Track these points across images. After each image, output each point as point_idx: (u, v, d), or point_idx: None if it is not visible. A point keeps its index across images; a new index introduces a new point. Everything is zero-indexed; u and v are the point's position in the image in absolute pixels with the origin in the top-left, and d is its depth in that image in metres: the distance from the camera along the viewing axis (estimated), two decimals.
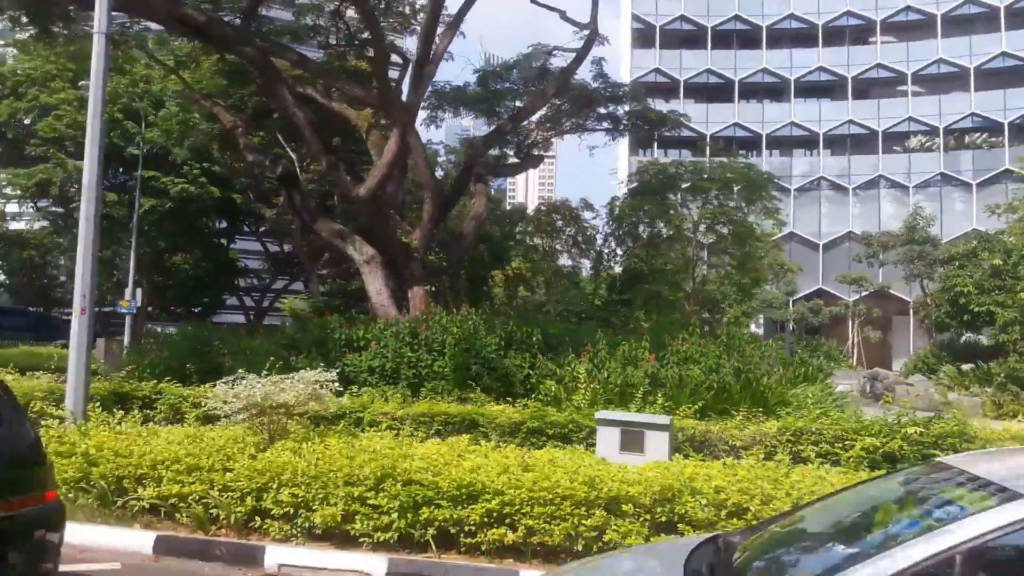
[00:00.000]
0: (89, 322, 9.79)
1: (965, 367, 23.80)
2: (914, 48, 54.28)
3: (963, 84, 53.21)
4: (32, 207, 44.57)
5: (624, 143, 48.39)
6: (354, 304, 26.81)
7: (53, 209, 41.66)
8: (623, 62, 55.71)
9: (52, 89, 40.09)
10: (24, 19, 17.16)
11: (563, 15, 25.82)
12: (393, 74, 23.90)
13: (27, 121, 39.69)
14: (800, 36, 56.98)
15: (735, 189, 26.19)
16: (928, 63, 53.88)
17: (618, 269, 30.09)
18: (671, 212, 28.06)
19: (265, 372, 9.22)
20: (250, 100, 25.90)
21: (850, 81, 55.53)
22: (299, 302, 35.85)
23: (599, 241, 31.53)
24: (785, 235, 47.01)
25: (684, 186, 26.77)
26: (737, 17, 57.02)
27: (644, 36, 57.27)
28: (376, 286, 18.64)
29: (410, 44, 27.22)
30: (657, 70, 56.45)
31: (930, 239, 36.63)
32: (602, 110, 28.03)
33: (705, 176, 26.89)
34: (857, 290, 47.00)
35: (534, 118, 25.77)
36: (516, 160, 25.15)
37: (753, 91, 56.99)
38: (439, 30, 19.48)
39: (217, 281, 52.95)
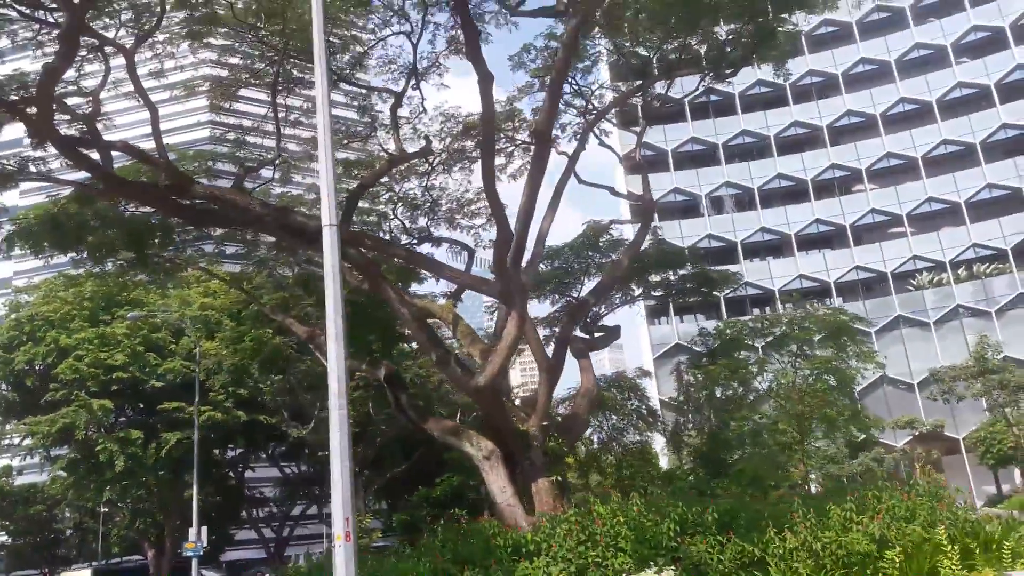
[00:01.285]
0: (352, 549, 8.38)
1: None
2: (903, 190, 56.76)
3: (958, 219, 55.22)
4: (45, 458, 42.37)
5: (641, 310, 48.43)
6: (439, 513, 25.01)
7: (70, 456, 39.49)
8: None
9: (71, 330, 39.46)
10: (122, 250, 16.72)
11: (612, 191, 26.49)
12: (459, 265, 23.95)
13: (46, 363, 38.60)
14: (792, 193, 59.51)
15: (816, 338, 25.75)
16: (920, 202, 56.14)
17: (693, 439, 28.77)
18: (743, 371, 27.30)
19: None
20: (317, 310, 25.37)
21: (848, 229, 57.36)
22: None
23: (658, 411, 30.47)
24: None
25: (767, 340, 26.24)
26: (728, 183, 59.74)
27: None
28: (500, 483, 17.28)
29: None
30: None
31: (1004, 367, 36.16)
32: (655, 277, 28.14)
33: (783, 329, 26.48)
34: (910, 432, 45.88)
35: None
36: (584, 336, 24.57)
37: (755, 250, 58.49)
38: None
39: (229, 513, 50.45)
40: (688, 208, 59.33)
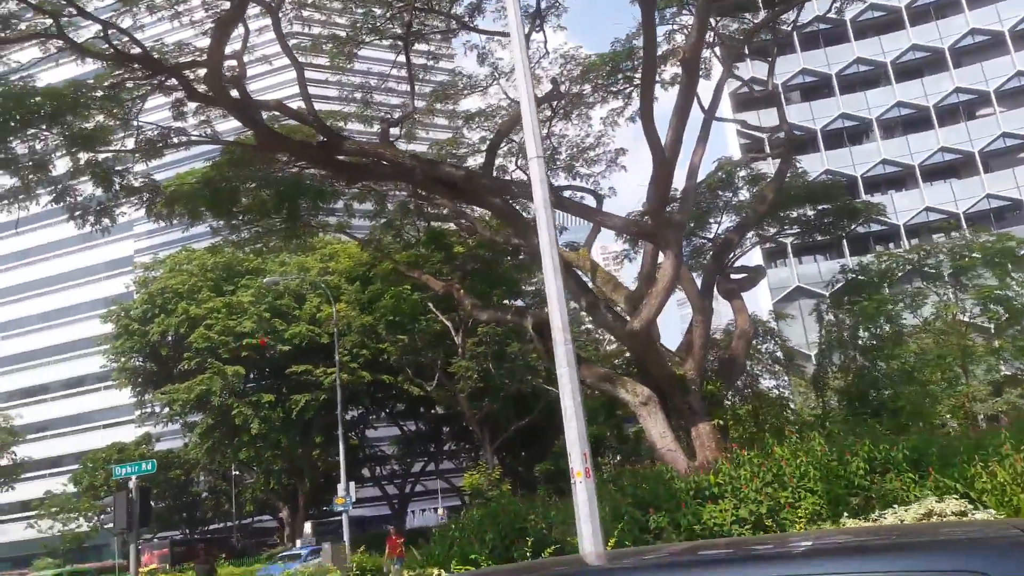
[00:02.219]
0: (592, 486, 8.28)
1: None
2: None
3: None
4: (182, 424, 44.66)
5: (757, 253, 46.71)
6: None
7: (207, 421, 41.43)
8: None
9: (199, 300, 41.14)
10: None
11: (745, 124, 25.36)
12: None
13: (178, 333, 40.42)
14: (913, 122, 56.27)
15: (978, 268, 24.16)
16: None
17: (837, 382, 27.64)
18: (890, 307, 25.95)
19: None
20: (444, 267, 25.51)
21: (977, 156, 53.85)
22: (477, 477, 33.95)
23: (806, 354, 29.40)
24: None
25: (923, 272, 24.81)
26: (844, 115, 56.90)
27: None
28: (659, 429, 16.97)
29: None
30: None
31: None
32: (793, 213, 26.96)
33: (939, 259, 25.00)
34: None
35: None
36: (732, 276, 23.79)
37: (876, 183, 55.60)
38: None
39: (351, 472, 52.09)
40: (804, 142, 56.78)
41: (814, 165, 54.26)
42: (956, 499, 10.97)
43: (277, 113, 16.07)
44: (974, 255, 24.00)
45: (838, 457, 13.55)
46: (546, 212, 8.90)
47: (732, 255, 23.45)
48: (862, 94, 57.52)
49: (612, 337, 24.40)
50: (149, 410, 45.34)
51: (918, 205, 53.76)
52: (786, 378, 30.27)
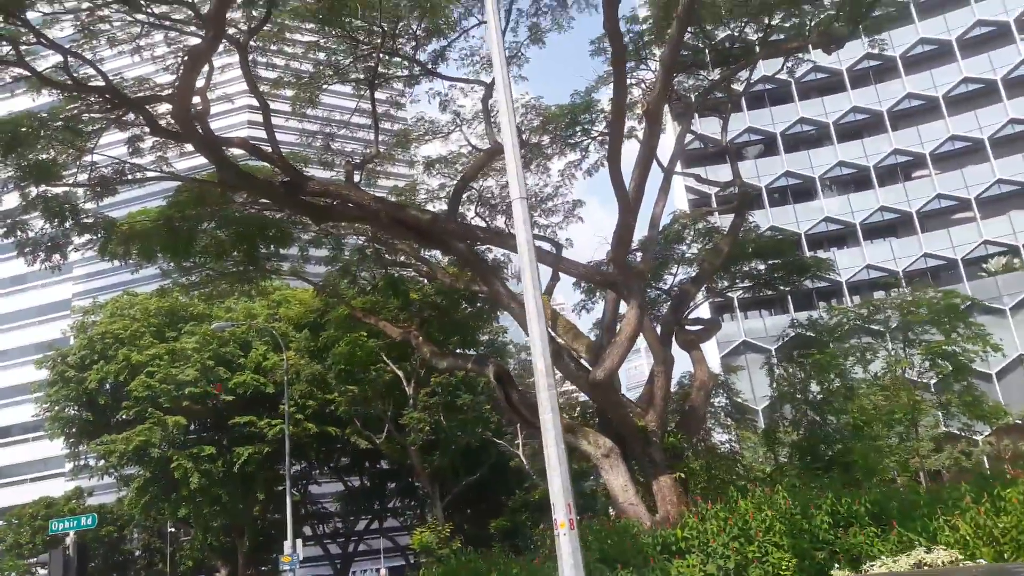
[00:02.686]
0: (577, 538, 8.02)
1: None
2: (969, 173, 55.41)
3: None
4: (117, 478, 42.70)
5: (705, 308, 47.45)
6: (537, 517, 24.60)
7: (144, 474, 39.66)
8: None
9: (140, 346, 39.83)
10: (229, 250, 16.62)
11: (699, 178, 25.93)
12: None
13: (117, 381, 38.91)
14: (854, 181, 58.77)
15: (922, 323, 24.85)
16: (988, 184, 54.86)
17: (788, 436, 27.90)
18: (839, 362, 26.47)
19: None
20: (400, 313, 25.21)
21: (915, 215, 56.23)
22: (427, 535, 33.12)
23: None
24: None
25: (871, 328, 25.41)
26: (788, 173, 58.83)
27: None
28: (620, 482, 16.85)
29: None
30: None
31: None
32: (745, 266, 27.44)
33: (888, 315, 25.65)
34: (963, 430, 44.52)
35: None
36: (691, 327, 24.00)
37: (819, 240, 57.39)
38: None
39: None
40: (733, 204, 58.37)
41: (760, 221, 55.68)
42: (944, 549, 11.02)
43: (239, 151, 15.81)
44: (921, 311, 24.75)
45: (802, 511, 13.57)
46: (529, 253, 8.85)
47: (688, 307, 23.70)
48: (805, 153, 59.68)
49: (573, 387, 24.33)
50: (83, 462, 43.24)
51: (859, 263, 55.50)
52: (735, 432, 30.45)
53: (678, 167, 23.18)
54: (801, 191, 59.81)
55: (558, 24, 21.52)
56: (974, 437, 39.03)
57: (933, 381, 26.80)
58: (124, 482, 42.56)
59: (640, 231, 19.08)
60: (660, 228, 22.76)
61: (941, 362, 24.58)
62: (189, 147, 18.91)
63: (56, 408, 41.22)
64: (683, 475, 17.49)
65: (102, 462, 40.36)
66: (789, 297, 52.19)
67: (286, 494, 45.04)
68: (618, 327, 18.35)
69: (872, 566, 11.50)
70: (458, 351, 28.68)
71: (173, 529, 50.09)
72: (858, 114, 59.65)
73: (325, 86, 21.16)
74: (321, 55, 21.02)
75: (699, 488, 22.13)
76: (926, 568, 10.68)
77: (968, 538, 11.72)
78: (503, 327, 42.08)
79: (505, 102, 9.48)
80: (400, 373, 36.37)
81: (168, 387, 37.73)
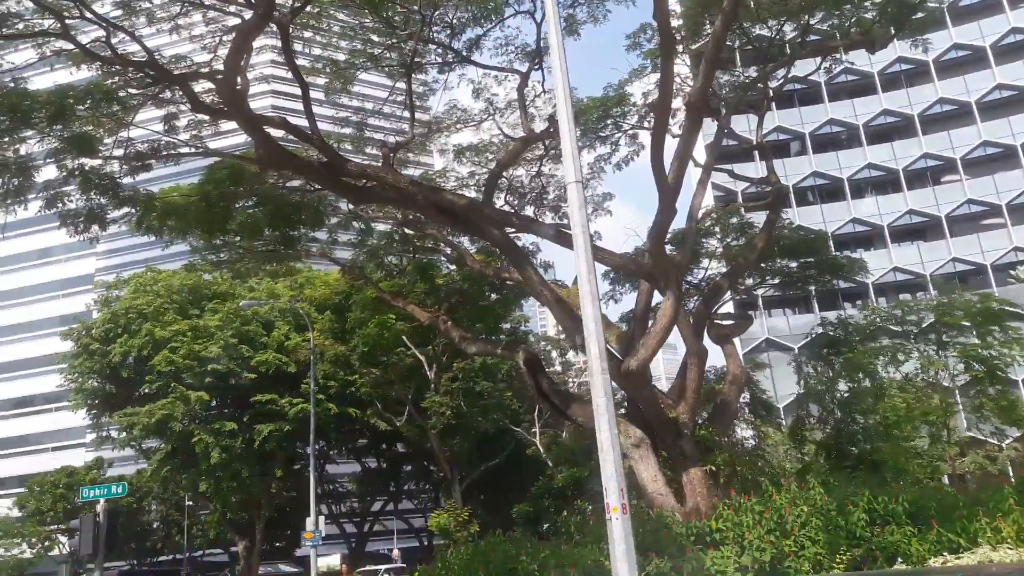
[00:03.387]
0: (629, 522, 7.93)
1: None
2: (1000, 179, 54.66)
3: None
4: (138, 450, 43.10)
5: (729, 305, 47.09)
6: (559, 505, 24.55)
7: (166, 447, 39.99)
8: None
9: (164, 322, 40.06)
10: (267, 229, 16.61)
11: (731, 174, 25.67)
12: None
13: (141, 355, 39.14)
14: (883, 183, 58.00)
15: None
16: (1020, 192, 54.04)
17: (815, 433, 27.67)
18: (870, 362, 26.12)
19: None
20: (427, 298, 25.16)
21: (943, 219, 55.48)
22: (445, 518, 33.20)
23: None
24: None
25: (905, 328, 25.08)
26: (816, 173, 58.24)
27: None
28: (650, 472, 16.69)
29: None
30: None
31: None
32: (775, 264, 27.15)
33: (923, 316, 25.34)
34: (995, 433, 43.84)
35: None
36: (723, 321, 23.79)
37: (846, 242, 56.72)
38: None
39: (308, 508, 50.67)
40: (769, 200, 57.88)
41: (786, 220, 55.41)
42: (1009, 548, 10.85)
43: (274, 132, 15.75)
44: (957, 313, 24.46)
45: (838, 507, 13.41)
46: (584, 237, 8.71)
47: (720, 301, 23.49)
48: (834, 154, 59.00)
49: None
50: (105, 434, 43.62)
51: (886, 265, 54.84)
52: (759, 429, 30.20)
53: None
54: (829, 191, 59.16)
55: (593, 16, 21.26)
56: (1001, 443, 38.58)
57: (961, 384, 26.50)
58: (145, 455, 42.96)
59: (675, 224, 18.87)
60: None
61: (977, 366, 24.27)
62: (223, 126, 19.02)
63: (80, 380, 41.56)
64: (713, 468, 17.35)
65: (124, 434, 40.67)
66: (814, 296, 51.73)
67: (305, 472, 45.47)
68: (651, 319, 18.19)
69: (934, 561, 11.34)
70: (481, 337, 28.64)
71: (191, 503, 50.52)
72: (888, 117, 58.89)
73: (360, 72, 21.07)
74: (357, 41, 20.91)
75: (723, 482, 22.04)
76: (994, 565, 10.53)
77: (1010, 540, 11.54)
78: (525, 316, 42.00)
79: (562, 85, 9.34)
80: (422, 358, 36.45)
81: (191, 363, 37.96)
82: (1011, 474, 40.46)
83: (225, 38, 15.42)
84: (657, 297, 18.82)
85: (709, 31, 21.95)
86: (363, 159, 22.73)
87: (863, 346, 25.21)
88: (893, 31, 21.28)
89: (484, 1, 16.57)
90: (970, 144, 56.27)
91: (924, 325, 25.55)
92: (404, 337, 33.24)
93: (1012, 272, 53.71)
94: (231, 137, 25.04)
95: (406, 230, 25.01)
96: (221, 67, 16.38)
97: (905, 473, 20.93)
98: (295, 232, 18.72)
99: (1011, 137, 55.12)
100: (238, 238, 19.98)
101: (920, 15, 21.21)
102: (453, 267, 28.00)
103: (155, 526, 54.53)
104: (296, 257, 23.71)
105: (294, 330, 40.84)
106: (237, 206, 17.35)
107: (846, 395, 25.26)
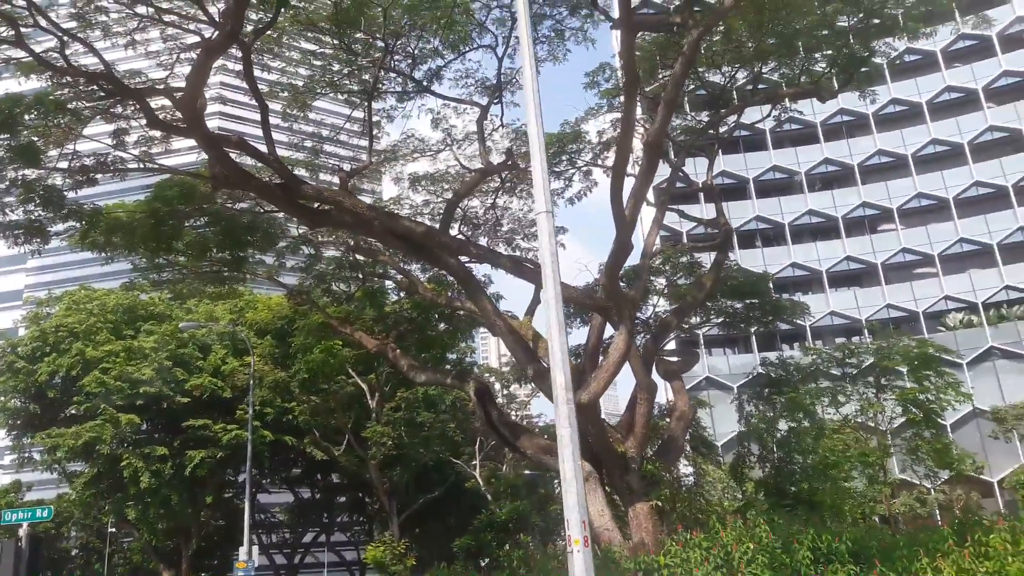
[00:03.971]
0: (590, 556, 7.94)
1: None
2: (934, 230, 57.06)
3: (990, 260, 55.38)
4: (61, 473, 41.42)
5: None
6: (502, 538, 24.33)
7: (92, 471, 38.50)
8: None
9: (96, 342, 38.87)
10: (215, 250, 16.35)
11: (682, 214, 26.24)
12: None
13: (69, 375, 37.78)
14: (822, 230, 59.82)
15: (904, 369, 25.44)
16: (951, 242, 56.42)
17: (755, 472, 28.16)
18: (810, 403, 26.86)
19: None
20: (375, 325, 25.00)
21: (879, 267, 57.53)
22: (381, 550, 32.62)
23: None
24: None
25: (844, 371, 25.85)
26: (758, 218, 59.94)
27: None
28: (597, 506, 16.75)
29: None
30: None
31: None
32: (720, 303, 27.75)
33: (863, 359, 26.18)
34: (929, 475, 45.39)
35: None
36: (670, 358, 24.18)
37: (784, 285, 58.26)
38: None
39: (236, 538, 49.61)
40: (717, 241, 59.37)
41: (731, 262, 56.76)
42: None
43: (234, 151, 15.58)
44: (896, 357, 25.35)
45: (784, 545, 13.64)
46: (553, 267, 8.83)
47: (668, 338, 23.89)
48: (776, 199, 60.90)
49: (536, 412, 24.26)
50: (27, 455, 41.79)
51: (823, 308, 56.48)
52: (698, 466, 30.64)
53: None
54: (770, 236, 61.01)
55: (554, 55, 21.66)
56: (931, 485, 39.78)
57: (895, 427, 27.39)
58: (68, 478, 41.35)
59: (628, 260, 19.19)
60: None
61: (914, 409, 25.15)
62: (174, 144, 18.74)
63: (2, 399, 39.90)
64: (659, 503, 17.50)
65: (47, 456, 39.10)
66: (754, 337, 52.96)
67: (235, 500, 44.38)
68: (602, 353, 18.40)
69: None
70: (430, 367, 28.52)
71: (113, 529, 48.65)
72: (829, 166, 61.17)
73: (319, 95, 21.05)
74: (316, 66, 20.92)
75: (669, 518, 22.19)
76: None
77: None
78: (471, 346, 41.93)
79: (534, 116, 9.52)
80: (364, 386, 36.05)
81: (123, 385, 36.82)
82: (939, 517, 41.81)
83: (183, 55, 15.28)
84: (608, 331, 19.07)
85: (664, 74, 22.69)
86: (316, 182, 22.66)
87: (804, 386, 25.88)
88: (836, 86, 22.28)
89: (449, 31, 16.76)
90: (906, 195, 58.76)
91: (863, 367, 26.43)
92: (347, 365, 32.91)
93: (943, 320, 55.95)
94: (179, 156, 24.66)
95: (357, 256, 24.85)
96: (177, 84, 16.24)
97: (842, 513, 21.44)
98: (244, 253, 18.43)
99: (944, 190, 57.75)
100: (183, 258, 19.60)
101: (867, 68, 22.20)
102: (403, 294, 27.92)
103: (74, 553, 52.31)
104: (242, 279, 23.31)
105: (232, 354, 40.07)
106: (186, 225, 17.06)
107: (786, 434, 25.86)
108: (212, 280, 21.99)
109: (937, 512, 42.98)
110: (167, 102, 14.57)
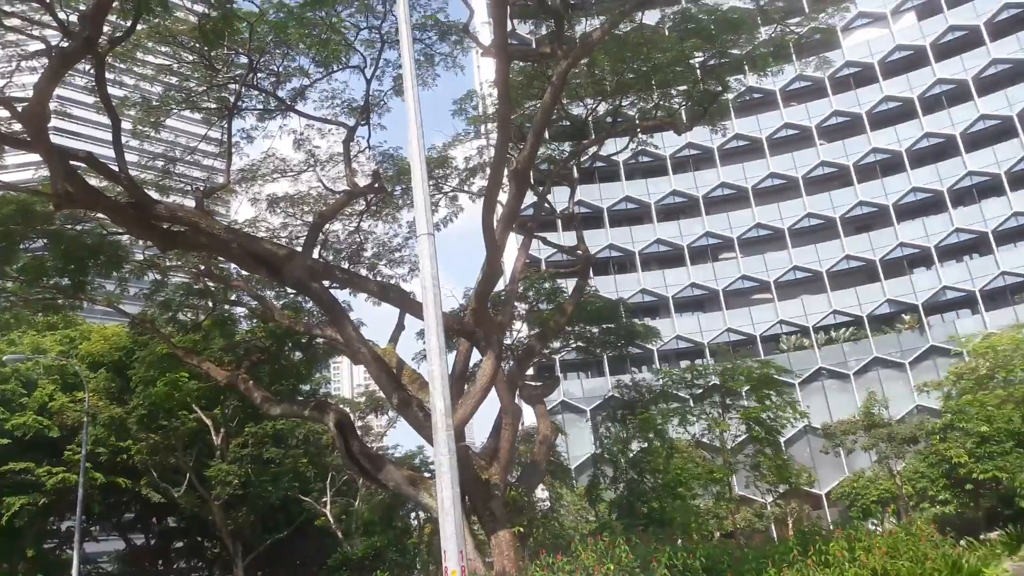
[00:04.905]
0: None
1: (992, 535, 24.74)
2: (770, 259, 61.66)
3: (820, 286, 60.43)
4: None
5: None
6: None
7: None
8: None
9: None
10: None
11: (545, 241, 27.17)
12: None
13: None
14: (669, 258, 63.20)
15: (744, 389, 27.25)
16: (786, 270, 61.15)
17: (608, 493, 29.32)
18: (660, 424, 28.34)
19: None
20: (224, 355, 24.14)
21: (720, 293, 61.38)
22: None
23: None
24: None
25: (692, 392, 27.40)
26: (611, 246, 62.67)
27: None
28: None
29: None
30: None
31: (885, 421, 39.24)
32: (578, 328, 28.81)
33: (709, 380, 27.86)
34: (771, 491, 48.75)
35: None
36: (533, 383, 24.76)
37: (635, 311, 60.92)
38: None
39: None
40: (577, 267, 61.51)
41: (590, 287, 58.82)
42: None
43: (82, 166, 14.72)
44: (740, 378, 27.23)
45: (642, 564, 14.35)
46: (434, 291, 8.99)
47: (532, 363, 24.51)
48: (628, 229, 63.93)
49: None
50: None
51: (670, 333, 59.49)
52: (556, 490, 31.48)
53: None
54: (622, 263, 63.81)
55: (423, 80, 21.96)
56: (772, 500, 42.57)
57: (736, 444, 29.37)
58: None
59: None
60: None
61: (756, 427, 27.07)
62: (7, 159, 17.51)
63: None
64: (521, 529, 17.88)
65: None
66: (606, 361, 55.05)
67: (59, 551, 40.89)
68: (468, 379, 18.66)
69: None
70: (280, 399, 27.77)
71: None
72: (677, 197, 64.90)
73: (174, 112, 20.29)
74: (173, 80, 20.19)
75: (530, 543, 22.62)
76: None
77: None
78: (327, 377, 41.05)
79: (416, 138, 9.67)
80: (208, 421, 34.46)
81: None
82: (773, 530, 44.86)
83: (24, 64, 14.37)
84: (475, 357, 19.38)
85: (531, 104, 23.51)
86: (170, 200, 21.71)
87: (655, 407, 27.29)
88: (686, 119, 23.88)
89: (322, 49, 16.68)
90: (746, 225, 63.20)
91: (708, 387, 28.22)
92: (191, 399, 31.44)
93: (779, 344, 60.40)
94: (9, 172, 22.99)
95: (207, 282, 23.96)
96: (16, 94, 15.25)
97: (689, 530, 22.71)
98: (85, 278, 17.34)
99: (780, 221, 62.59)
100: (11, 284, 18.23)
101: (719, 102, 23.94)
102: (256, 322, 27.10)
103: None
104: (79, 307, 21.87)
105: (61, 389, 37.24)
106: (23, 246, 15.91)
107: (638, 454, 27.12)
108: (45, 308, 20.52)
109: (772, 525, 46.14)
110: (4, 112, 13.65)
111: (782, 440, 50.12)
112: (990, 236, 57.52)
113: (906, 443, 34.02)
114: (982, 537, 24.91)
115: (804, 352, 58.92)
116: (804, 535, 16.38)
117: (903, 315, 59.03)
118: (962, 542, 19.88)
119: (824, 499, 52.62)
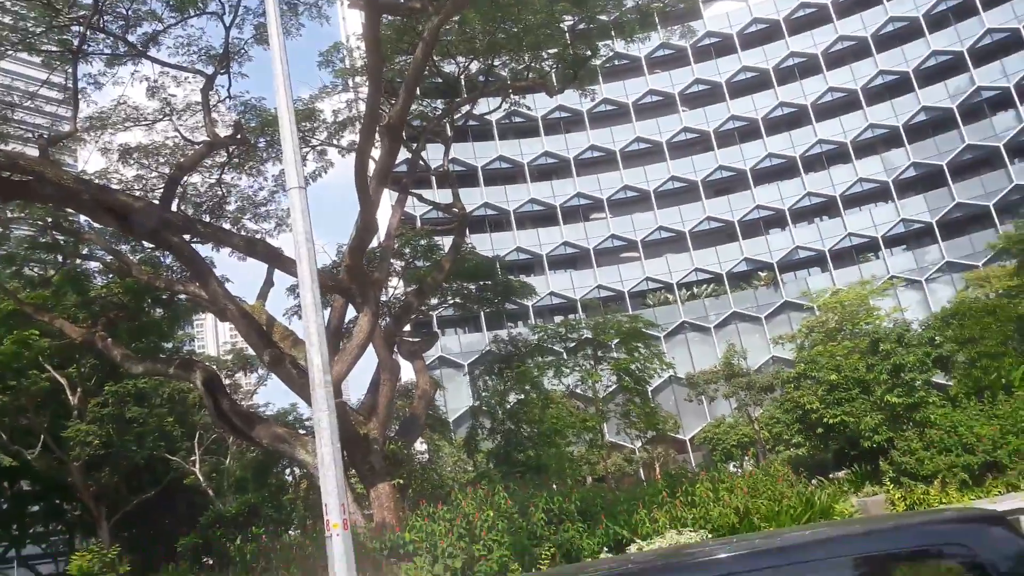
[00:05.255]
0: (350, 539, 7.63)
1: (840, 474, 26.58)
2: (637, 219, 63.26)
3: (683, 245, 62.65)
4: None
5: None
6: (234, 532, 22.81)
7: None
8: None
9: None
10: None
11: (420, 198, 26.65)
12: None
13: None
14: (544, 217, 63.73)
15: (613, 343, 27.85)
16: (652, 230, 62.97)
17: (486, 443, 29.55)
18: (534, 376, 28.67)
19: None
20: (79, 311, 22.42)
21: (591, 252, 62.59)
22: (88, 559, 29.37)
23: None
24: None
25: (567, 345, 27.75)
26: (487, 204, 62.48)
27: None
28: None
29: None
30: None
31: (744, 371, 41.16)
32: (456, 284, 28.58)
33: (583, 334, 28.29)
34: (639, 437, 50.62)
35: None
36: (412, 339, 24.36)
37: (511, 268, 61.22)
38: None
39: None
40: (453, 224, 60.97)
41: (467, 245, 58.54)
42: (691, 531, 12.37)
43: None
44: (610, 332, 27.82)
45: (520, 510, 14.44)
46: (308, 246, 8.44)
47: (410, 319, 24.09)
48: (503, 187, 63.87)
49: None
50: None
51: (544, 289, 60.22)
52: (432, 442, 31.43)
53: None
54: (497, 221, 63.84)
55: (287, 29, 20.79)
56: (638, 445, 44.13)
57: (606, 394, 30.19)
58: None
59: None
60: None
61: (626, 377, 27.80)
62: None
63: None
64: (401, 481, 17.67)
65: None
66: (483, 317, 55.18)
67: None
68: (343, 335, 18.09)
69: (629, 548, 12.60)
70: (145, 356, 26.22)
71: None
72: (549, 158, 65.30)
73: (8, 52, 18.33)
74: (5, 19, 18.20)
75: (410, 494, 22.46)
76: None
77: (663, 527, 13.37)
78: (191, 334, 39.08)
79: (284, 87, 8.96)
80: (63, 381, 32.14)
81: None
82: (642, 473, 46.68)
83: None
84: (350, 313, 18.79)
85: (401, 59, 22.73)
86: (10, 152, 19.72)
87: (531, 360, 27.54)
88: (557, 82, 23.81)
89: None
90: (615, 187, 64.45)
91: (581, 341, 28.74)
92: (44, 358, 29.13)
93: (646, 299, 62.40)
94: None
95: (56, 235, 22.12)
96: None
97: (564, 476, 23.17)
98: None
99: (646, 183, 64.22)
100: None
101: (589, 67, 23.95)
102: (112, 277, 25.34)
103: None
104: None
105: None
106: None
107: (515, 406, 27.38)
108: None
109: (640, 469, 48.01)
110: None
111: (649, 389, 52.21)
112: (838, 200, 61.25)
113: (763, 391, 35.92)
114: (831, 476, 26.73)
115: (669, 307, 61.15)
116: (671, 478, 16.94)
117: (759, 272, 62.25)
118: (814, 481, 21.26)
119: (688, 444, 55.12)
